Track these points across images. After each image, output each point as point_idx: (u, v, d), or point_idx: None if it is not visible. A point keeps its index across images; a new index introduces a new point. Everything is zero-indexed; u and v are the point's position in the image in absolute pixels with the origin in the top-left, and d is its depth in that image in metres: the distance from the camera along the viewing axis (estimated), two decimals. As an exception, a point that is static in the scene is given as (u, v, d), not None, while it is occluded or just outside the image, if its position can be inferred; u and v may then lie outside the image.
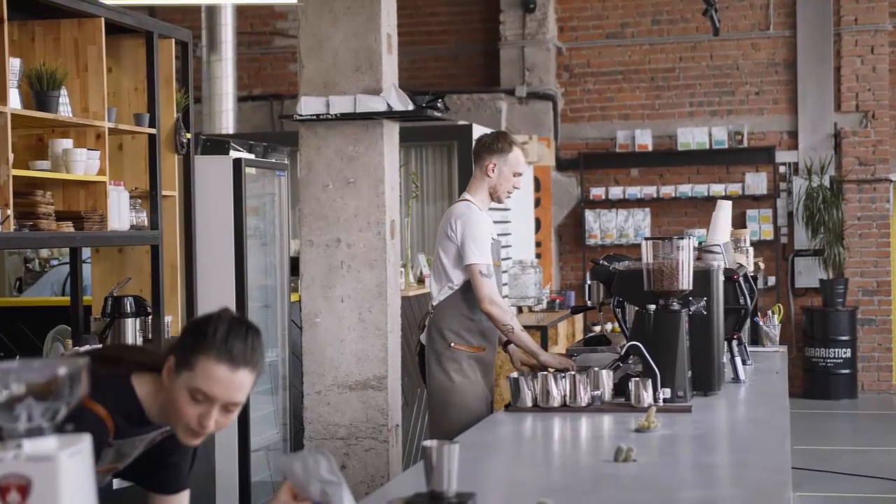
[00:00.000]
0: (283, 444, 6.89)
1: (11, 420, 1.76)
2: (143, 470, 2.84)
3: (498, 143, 5.34)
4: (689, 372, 4.40)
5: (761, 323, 6.44)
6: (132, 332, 5.42)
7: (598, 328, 12.32)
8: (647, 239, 4.49)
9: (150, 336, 5.61)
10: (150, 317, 5.58)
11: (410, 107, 5.92)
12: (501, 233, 10.23)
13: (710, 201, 12.53)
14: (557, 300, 11.20)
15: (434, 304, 5.32)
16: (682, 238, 4.45)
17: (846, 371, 12.28)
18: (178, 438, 2.71)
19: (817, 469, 8.83)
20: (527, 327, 9.19)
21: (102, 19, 5.20)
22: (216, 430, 2.64)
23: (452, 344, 5.21)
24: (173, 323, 5.86)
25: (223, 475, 6.14)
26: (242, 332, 2.61)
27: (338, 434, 5.82)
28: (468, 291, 5.23)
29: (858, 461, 9.29)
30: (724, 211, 5.57)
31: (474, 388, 5.20)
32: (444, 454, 2.75)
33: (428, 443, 2.76)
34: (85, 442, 1.80)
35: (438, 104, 6.18)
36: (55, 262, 8.66)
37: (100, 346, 4.95)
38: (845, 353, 12.25)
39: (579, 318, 11.29)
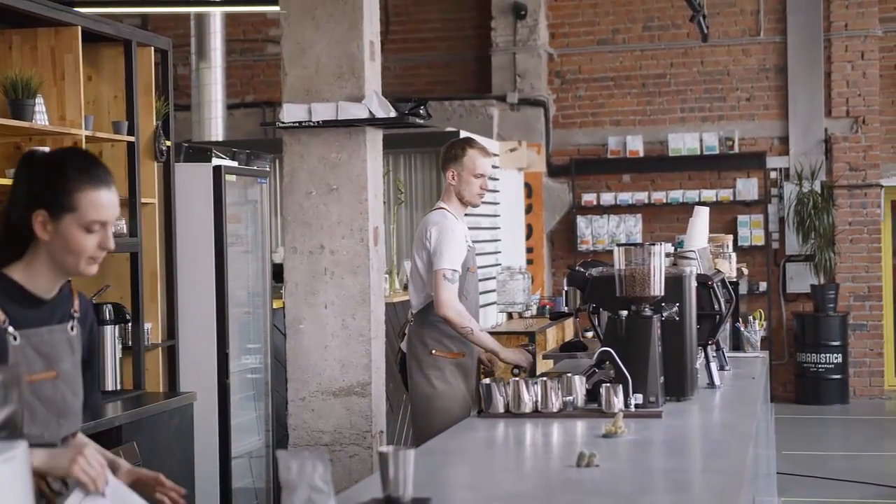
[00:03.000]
0: (266, 451, 6.90)
1: (-56, 427, 1.78)
2: None
3: (452, 150, 5.49)
4: (662, 377, 4.41)
5: (742, 329, 6.45)
6: (111, 339, 5.43)
7: (590, 334, 12.33)
8: (619, 245, 4.50)
9: (129, 343, 5.63)
10: (129, 324, 5.60)
11: (392, 114, 5.94)
12: (491, 238, 10.27)
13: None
14: (548, 306, 11.21)
15: (414, 311, 5.41)
16: (654, 244, 4.46)
17: (837, 376, 12.29)
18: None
19: (805, 474, 8.84)
20: (515, 333, 9.26)
21: (79, 28, 5.22)
22: (107, 252, 2.77)
23: (434, 351, 5.30)
24: (153, 330, 5.88)
25: (203, 481, 6.15)
26: (91, 157, 2.79)
27: (322, 440, 5.83)
28: None
29: (848, 466, 9.30)
30: (701, 217, 5.59)
31: (455, 394, 5.26)
32: (399, 460, 2.77)
33: (383, 448, 2.79)
34: (20, 448, 1.82)
35: (421, 111, 6.20)
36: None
37: None
38: (836, 358, 12.26)
39: (569, 323, 11.30)
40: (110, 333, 5.44)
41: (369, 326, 5.90)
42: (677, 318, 4.56)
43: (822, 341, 12.27)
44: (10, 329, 2.67)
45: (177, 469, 5.59)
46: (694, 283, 4.72)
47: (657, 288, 4.43)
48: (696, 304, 4.76)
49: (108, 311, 5.43)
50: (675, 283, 4.57)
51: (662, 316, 4.50)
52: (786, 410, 11.67)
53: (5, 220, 2.75)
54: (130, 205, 5.65)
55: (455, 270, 5.23)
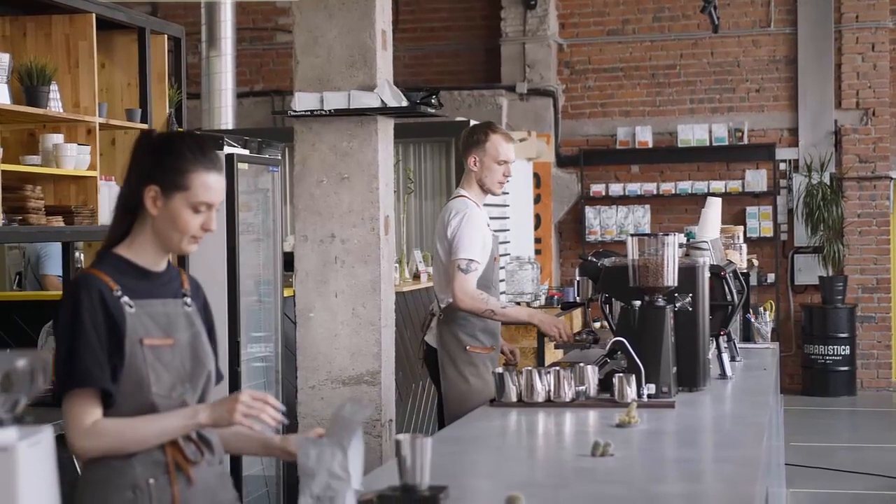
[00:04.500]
0: (277, 439, 6.90)
1: (-29, 411, 1.78)
2: None
3: (474, 135, 5.31)
4: (674, 368, 4.41)
5: (753, 320, 6.45)
6: (123, 326, 5.43)
7: (598, 324, 12.33)
8: (632, 235, 4.50)
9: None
10: (141, 311, 5.60)
11: (404, 103, 5.93)
12: (500, 228, 10.27)
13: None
14: (556, 296, 11.21)
15: (443, 305, 5.24)
16: (668, 235, 4.46)
17: (845, 368, 12.29)
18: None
19: (812, 466, 8.85)
20: (524, 323, 9.23)
21: (94, 15, 5.22)
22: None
23: (468, 347, 5.18)
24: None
25: (215, 469, 6.16)
26: (203, 140, 2.90)
27: (331, 429, 5.84)
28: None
29: (855, 458, 9.30)
30: (714, 208, 5.59)
31: (489, 388, 5.17)
32: (416, 448, 2.77)
33: (400, 436, 2.79)
34: (45, 434, 1.83)
35: (432, 100, 6.20)
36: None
37: None
38: (844, 350, 12.26)
39: (578, 313, 11.30)
40: (122, 321, 5.43)
41: (380, 315, 5.90)
42: (690, 309, 4.55)
43: (829, 333, 12.27)
44: (125, 299, 2.79)
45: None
46: (707, 274, 4.72)
47: (671, 278, 4.42)
48: (709, 295, 4.76)
49: (120, 299, 5.44)
50: (688, 274, 4.57)
51: (675, 306, 4.50)
52: (793, 402, 11.67)
53: (122, 198, 2.89)
54: (143, 192, 5.65)
55: (471, 260, 5.10)
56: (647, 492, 2.97)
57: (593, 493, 2.95)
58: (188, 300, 2.94)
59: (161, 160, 2.82)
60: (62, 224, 5.00)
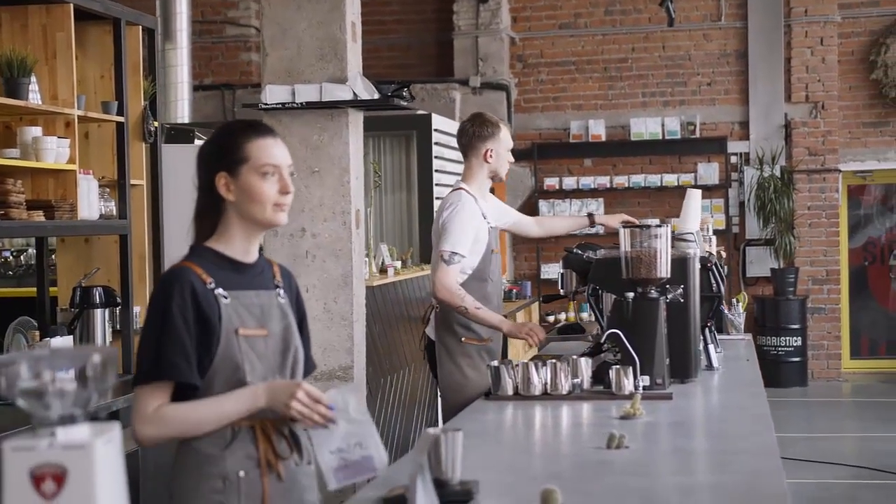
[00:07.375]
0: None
1: (44, 408, 1.74)
2: None
3: (486, 128, 5.32)
4: (668, 359, 4.42)
5: (726, 311, 6.49)
6: (101, 322, 5.35)
7: (551, 318, 12.37)
8: (625, 227, 4.49)
9: (118, 327, 5.54)
10: (118, 307, 5.51)
11: (376, 96, 5.90)
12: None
13: (662, 191, 12.63)
14: (514, 290, 11.24)
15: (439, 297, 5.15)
16: (660, 226, 4.46)
17: (797, 359, 12.43)
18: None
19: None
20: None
21: (71, 5, 5.12)
22: (290, 199, 2.89)
23: (463, 339, 5.17)
24: (142, 313, 5.79)
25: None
26: (251, 120, 3.01)
27: (304, 424, 5.79)
28: (473, 283, 5.13)
29: (810, 448, 9.40)
30: (695, 199, 5.61)
31: (485, 380, 5.10)
32: (448, 442, 2.75)
33: (432, 430, 2.76)
34: (115, 430, 1.78)
35: (404, 93, 6.17)
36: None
37: None
38: (796, 341, 12.40)
39: (535, 307, 11.34)
40: (100, 317, 5.35)
41: (351, 310, 5.87)
42: (682, 300, 4.56)
43: (781, 324, 12.40)
44: (220, 290, 2.83)
45: (165, 452, 5.51)
46: (697, 265, 4.74)
47: (663, 270, 4.43)
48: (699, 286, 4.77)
49: (98, 295, 5.35)
50: (679, 265, 4.58)
51: (667, 298, 4.50)
52: (747, 393, 11.79)
53: (199, 202, 2.93)
54: (119, 186, 5.56)
55: (454, 252, 5.05)
56: (675, 484, 2.96)
57: (623, 486, 2.93)
58: (281, 292, 2.97)
59: (219, 148, 2.90)
60: (43, 219, 4.89)
